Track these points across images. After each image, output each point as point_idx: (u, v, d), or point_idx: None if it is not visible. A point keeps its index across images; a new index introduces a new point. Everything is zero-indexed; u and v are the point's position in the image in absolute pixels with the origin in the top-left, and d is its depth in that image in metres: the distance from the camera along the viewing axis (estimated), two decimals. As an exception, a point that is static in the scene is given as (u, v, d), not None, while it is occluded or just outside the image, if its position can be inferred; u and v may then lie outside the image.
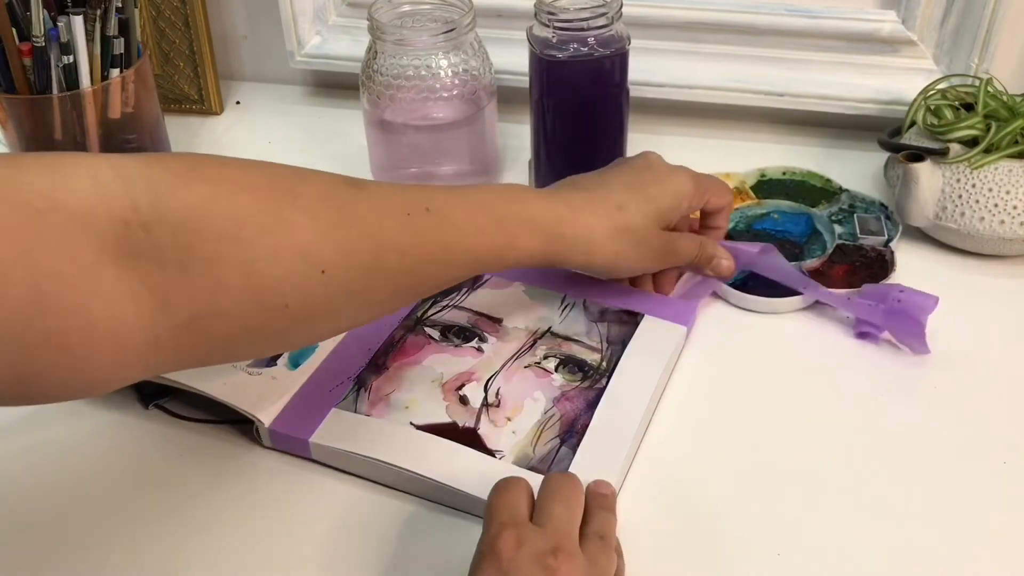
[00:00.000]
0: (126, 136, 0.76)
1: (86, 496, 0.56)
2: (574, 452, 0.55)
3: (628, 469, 0.56)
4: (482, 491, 0.52)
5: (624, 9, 0.70)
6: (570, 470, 0.54)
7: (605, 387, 0.59)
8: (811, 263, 0.69)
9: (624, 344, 0.62)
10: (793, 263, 0.69)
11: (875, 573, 0.51)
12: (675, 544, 0.52)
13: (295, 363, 0.61)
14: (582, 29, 0.69)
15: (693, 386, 0.62)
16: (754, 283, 0.68)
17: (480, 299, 0.66)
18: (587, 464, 0.54)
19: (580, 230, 0.58)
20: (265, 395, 0.59)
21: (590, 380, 0.60)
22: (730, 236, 0.72)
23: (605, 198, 0.60)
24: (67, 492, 0.57)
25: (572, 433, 0.56)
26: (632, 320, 0.64)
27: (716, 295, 0.69)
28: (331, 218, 0.47)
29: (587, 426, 0.57)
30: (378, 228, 0.49)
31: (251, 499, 0.56)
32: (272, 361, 0.61)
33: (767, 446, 0.58)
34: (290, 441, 0.57)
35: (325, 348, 0.62)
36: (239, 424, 0.59)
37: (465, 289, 0.67)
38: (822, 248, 0.71)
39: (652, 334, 0.63)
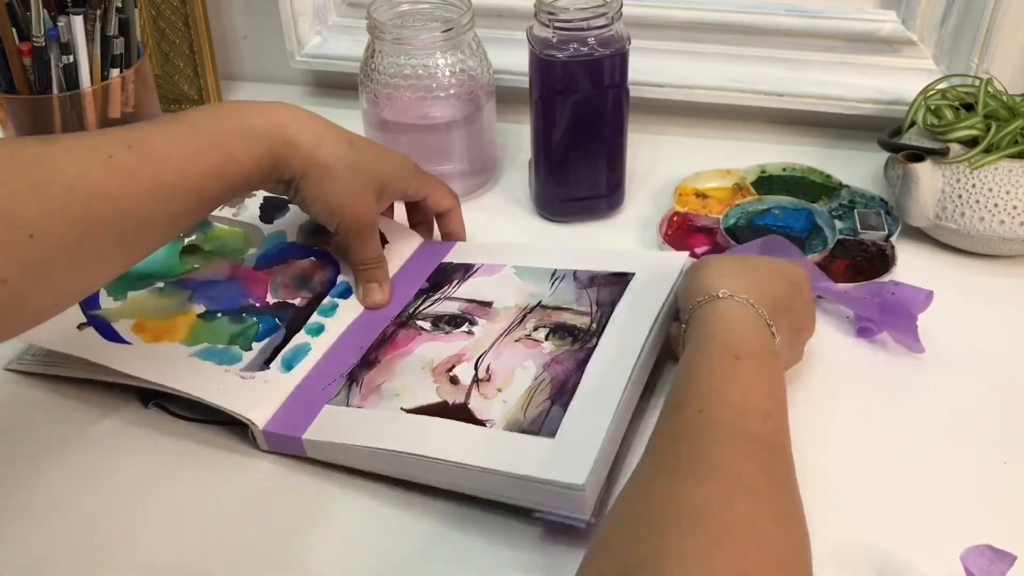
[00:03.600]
0: (126, 136, 0.76)
1: (84, 494, 0.56)
2: (565, 410, 0.54)
3: (629, 420, 0.55)
4: (471, 459, 0.51)
5: (624, 9, 0.70)
6: (561, 426, 0.53)
7: (596, 346, 0.59)
8: (813, 258, 0.69)
9: (614, 305, 0.62)
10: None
11: (874, 572, 0.51)
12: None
13: (288, 366, 0.61)
14: (582, 29, 0.68)
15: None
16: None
17: (471, 287, 0.66)
18: (579, 419, 0.53)
19: (307, 131, 0.58)
20: (258, 398, 0.58)
21: (580, 343, 0.59)
22: (731, 232, 0.72)
23: (336, 129, 0.61)
24: (64, 489, 0.57)
25: (563, 393, 0.55)
26: (622, 280, 0.64)
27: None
28: (26, 178, 0.45)
29: (578, 384, 0.56)
30: (80, 178, 0.47)
31: (248, 500, 0.56)
32: (265, 364, 0.61)
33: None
34: (284, 440, 0.57)
35: (318, 351, 0.62)
36: (237, 424, 0.59)
37: (456, 280, 0.67)
38: (823, 243, 0.72)
39: (643, 289, 0.62)
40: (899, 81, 0.80)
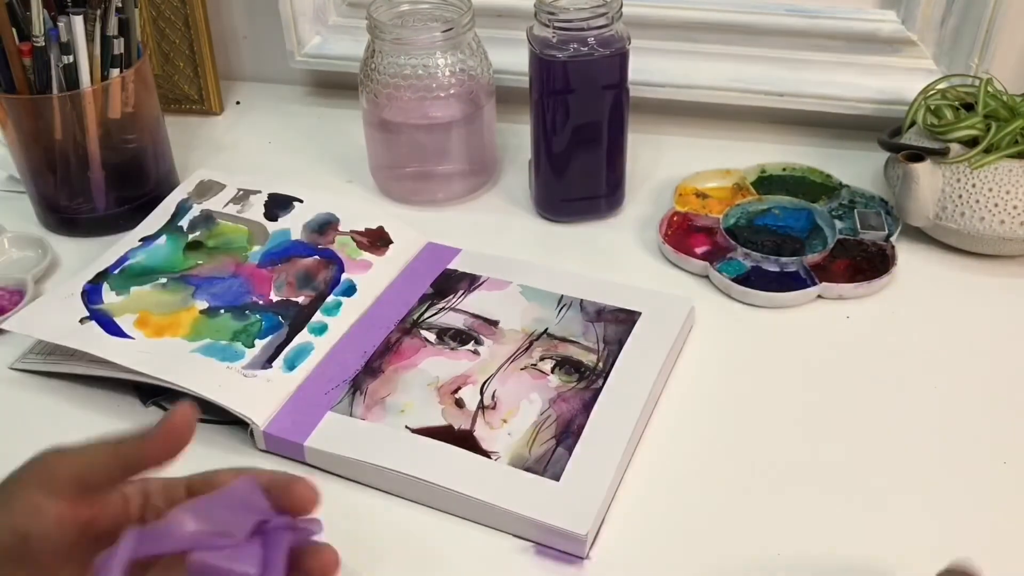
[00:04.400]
0: (126, 136, 0.76)
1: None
2: (570, 453, 0.55)
3: (626, 469, 0.56)
4: (477, 492, 0.52)
5: (624, 9, 0.70)
6: (566, 471, 0.54)
7: (602, 388, 0.59)
8: (813, 258, 0.70)
9: (621, 344, 0.62)
10: (795, 257, 0.69)
11: (875, 573, 0.51)
12: (674, 543, 0.52)
13: (291, 365, 0.61)
14: (582, 29, 0.69)
15: (694, 382, 0.62)
16: (756, 278, 0.68)
17: (477, 301, 0.66)
18: (584, 465, 0.54)
19: None
20: (259, 397, 0.58)
21: (587, 381, 0.60)
22: (731, 232, 0.72)
23: None
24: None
25: (568, 434, 0.56)
26: (629, 319, 0.64)
27: (719, 290, 0.69)
28: None
29: (583, 427, 0.56)
30: None
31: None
32: (267, 363, 0.61)
33: (767, 443, 0.58)
34: (285, 444, 0.57)
35: (321, 350, 0.62)
36: (237, 424, 0.59)
37: (462, 291, 0.67)
38: (823, 243, 0.72)
39: (649, 333, 0.63)
40: (899, 81, 0.80)
